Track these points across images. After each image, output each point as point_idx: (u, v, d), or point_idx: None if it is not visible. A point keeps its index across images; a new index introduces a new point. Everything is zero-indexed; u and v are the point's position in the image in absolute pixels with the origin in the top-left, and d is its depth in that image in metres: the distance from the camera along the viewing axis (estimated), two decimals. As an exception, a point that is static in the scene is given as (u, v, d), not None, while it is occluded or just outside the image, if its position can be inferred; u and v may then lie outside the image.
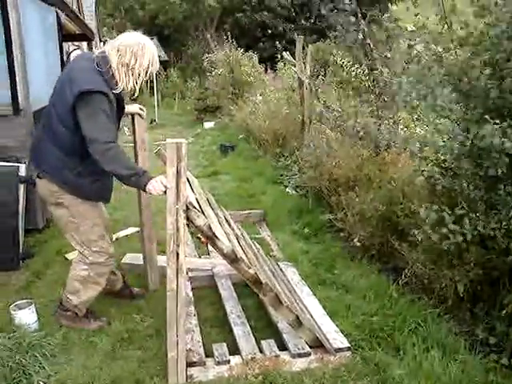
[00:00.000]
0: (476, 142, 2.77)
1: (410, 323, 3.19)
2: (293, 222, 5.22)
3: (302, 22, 20.48)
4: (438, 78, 3.27)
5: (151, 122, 13.37)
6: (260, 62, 13.62)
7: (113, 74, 2.80)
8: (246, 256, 2.95)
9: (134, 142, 3.48)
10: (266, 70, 13.70)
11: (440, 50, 3.23)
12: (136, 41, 2.82)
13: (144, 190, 2.66)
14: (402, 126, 5.36)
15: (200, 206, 2.90)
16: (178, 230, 2.49)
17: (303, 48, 6.86)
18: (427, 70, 3.41)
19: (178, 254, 2.53)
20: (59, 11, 6.00)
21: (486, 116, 2.70)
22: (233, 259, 2.70)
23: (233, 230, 3.38)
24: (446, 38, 3.18)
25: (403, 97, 3.20)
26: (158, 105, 14.59)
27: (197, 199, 3.01)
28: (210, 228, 2.60)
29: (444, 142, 3.40)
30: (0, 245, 4.14)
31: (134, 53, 2.79)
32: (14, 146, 4.55)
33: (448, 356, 2.88)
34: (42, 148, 2.98)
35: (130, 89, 2.88)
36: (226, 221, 3.49)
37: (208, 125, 11.75)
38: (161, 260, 3.78)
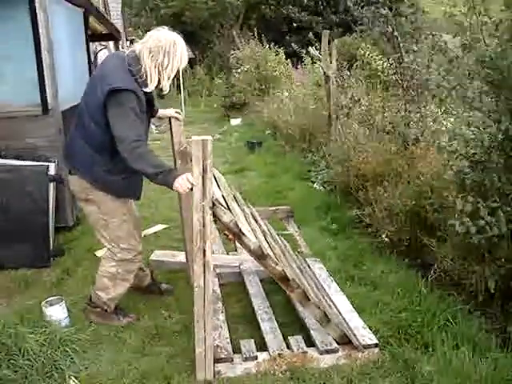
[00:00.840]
0: (507, 133, 2.70)
1: (439, 319, 3.14)
2: (320, 217, 5.19)
3: (330, 15, 20.30)
4: (467, 68, 3.21)
5: (178, 120, 13.45)
6: (287, 57, 13.56)
7: (145, 74, 2.81)
8: (273, 252, 2.94)
9: (172, 146, 3.45)
10: (293, 64, 13.62)
11: (468, 40, 3.15)
12: (167, 40, 2.82)
13: (171, 188, 2.66)
14: (430, 120, 5.27)
15: (226, 203, 2.91)
16: (204, 226, 2.50)
17: (329, 42, 6.81)
18: (455, 61, 3.35)
19: (204, 251, 2.54)
20: (86, 11, 6.08)
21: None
22: (259, 255, 2.70)
23: (259, 226, 3.38)
24: (474, 27, 3.11)
25: (431, 89, 3.14)
26: (184, 102, 14.68)
27: (223, 196, 3.02)
28: (237, 225, 2.61)
29: (474, 134, 3.34)
30: (31, 242, 4.23)
31: (166, 52, 2.80)
32: (43, 146, 4.64)
33: (478, 353, 2.82)
34: (73, 145, 3.04)
35: (161, 87, 2.91)
36: (253, 217, 3.50)
37: (235, 121, 11.76)
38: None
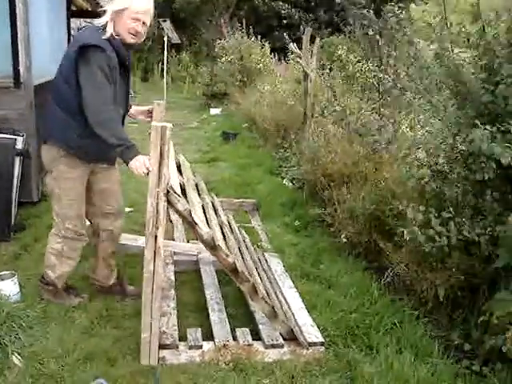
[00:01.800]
0: (465, 145, 2.76)
1: (386, 323, 3.20)
2: (285, 213, 5.22)
3: (321, 13, 20.27)
4: (436, 77, 3.26)
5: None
6: (273, 52, 13.55)
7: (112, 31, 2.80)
8: (227, 244, 2.96)
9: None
10: (279, 59, 13.61)
11: (439, 48, 3.20)
12: None
13: (127, 164, 2.65)
14: (405, 126, 5.33)
15: (184, 191, 2.91)
16: (157, 212, 2.51)
17: (313, 41, 6.82)
18: (426, 70, 3.40)
19: (156, 237, 2.54)
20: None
21: (477, 120, 2.69)
22: (211, 246, 2.72)
23: (218, 217, 3.39)
24: (444, 37, 3.16)
25: (397, 96, 3.19)
26: (167, 87, 14.57)
27: (182, 183, 3.03)
28: (190, 213, 2.61)
29: (439, 143, 3.39)
30: (-8, 216, 4.20)
31: None
32: (13, 118, 4.59)
33: (420, 358, 2.89)
34: (48, 112, 3.04)
35: (121, 34, 2.82)
36: (213, 207, 3.51)
37: (214, 111, 11.72)
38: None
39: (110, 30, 2.79)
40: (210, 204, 3.39)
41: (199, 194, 3.34)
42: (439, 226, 2.89)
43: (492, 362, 2.82)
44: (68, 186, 3.03)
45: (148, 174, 2.50)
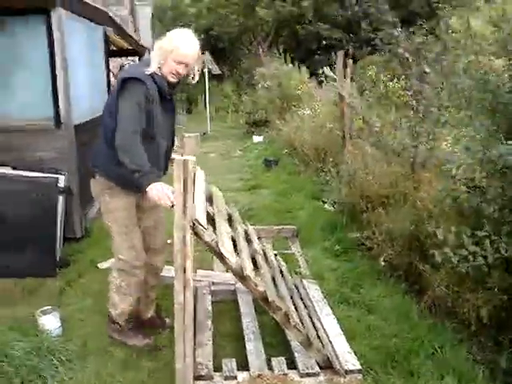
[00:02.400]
0: (496, 160, 2.67)
1: (427, 347, 3.10)
2: (326, 238, 5.17)
3: (362, 34, 20.21)
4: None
5: (204, 134, 13.62)
6: (313, 75, 13.57)
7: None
8: (259, 273, 2.96)
9: None
10: (319, 83, 13.62)
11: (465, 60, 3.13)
12: (174, 30, 2.95)
13: (144, 190, 2.71)
14: (445, 143, 5.21)
15: (214, 222, 2.95)
16: (185, 245, 2.54)
17: (355, 61, 6.82)
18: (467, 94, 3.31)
19: (185, 269, 2.57)
20: (108, 28, 6.26)
21: (501, 135, 2.61)
22: (241, 276, 2.72)
23: (252, 246, 3.39)
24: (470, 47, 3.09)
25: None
26: (211, 117, 14.87)
27: (213, 214, 3.06)
28: (217, 245, 2.63)
29: (473, 159, 3.30)
30: (39, 252, 4.36)
31: (168, 35, 2.91)
32: (54, 158, 4.79)
33: (463, 384, 2.78)
34: (96, 148, 3.15)
35: (163, 73, 2.92)
36: (247, 236, 3.51)
37: (257, 139, 11.83)
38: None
39: (154, 66, 2.89)
40: (243, 233, 3.40)
41: (231, 225, 3.35)
42: (472, 246, 2.78)
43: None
44: (116, 215, 3.09)
45: (172, 206, 2.54)
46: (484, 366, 2.97)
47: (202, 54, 12.59)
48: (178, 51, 2.86)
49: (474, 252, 2.78)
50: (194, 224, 2.54)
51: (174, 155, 2.97)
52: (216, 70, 13.86)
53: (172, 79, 2.96)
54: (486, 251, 2.78)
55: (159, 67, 2.91)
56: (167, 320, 3.51)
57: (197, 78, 3.09)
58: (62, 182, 4.67)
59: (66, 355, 3.08)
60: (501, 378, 2.88)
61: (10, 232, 4.31)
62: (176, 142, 3.31)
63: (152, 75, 2.88)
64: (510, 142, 2.52)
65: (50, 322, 3.33)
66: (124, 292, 3.23)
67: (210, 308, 3.56)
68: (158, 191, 2.66)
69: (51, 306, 3.49)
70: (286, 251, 4.82)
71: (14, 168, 4.67)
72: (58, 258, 4.49)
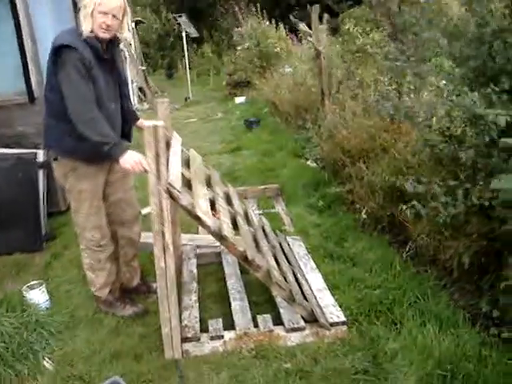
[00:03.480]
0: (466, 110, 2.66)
1: (409, 296, 3.15)
2: (309, 195, 5.18)
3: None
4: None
5: (185, 100, 13.44)
6: (294, 33, 13.33)
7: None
8: (239, 233, 2.98)
9: None
10: (299, 41, 13.40)
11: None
12: None
13: (117, 161, 2.68)
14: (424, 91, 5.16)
15: (190, 184, 2.94)
16: (161, 210, 2.54)
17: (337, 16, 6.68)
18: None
19: (163, 234, 2.58)
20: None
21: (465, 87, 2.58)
22: (219, 237, 2.73)
23: (232, 206, 3.40)
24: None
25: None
26: (192, 82, 14.63)
27: (189, 178, 3.05)
28: (193, 207, 2.63)
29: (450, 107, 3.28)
30: (23, 228, 4.35)
31: None
32: (31, 133, 4.72)
33: (445, 330, 2.82)
34: (45, 126, 3.03)
35: (94, 31, 2.77)
36: (228, 198, 3.51)
37: (239, 100, 11.69)
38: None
39: (84, 28, 2.76)
40: (222, 195, 3.40)
41: (210, 187, 3.35)
42: (443, 196, 2.79)
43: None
44: (81, 198, 3.06)
45: (146, 171, 2.53)
46: (465, 311, 3.02)
47: (180, 16, 12.25)
48: (101, 2, 2.72)
49: (445, 202, 2.78)
50: (168, 188, 2.54)
51: (145, 122, 2.90)
52: (194, 33, 13.58)
53: (103, 34, 2.80)
54: (458, 200, 2.79)
55: (90, 29, 2.77)
56: (154, 285, 3.52)
57: (125, 32, 2.94)
58: (40, 156, 4.62)
59: (56, 327, 3.12)
60: (481, 321, 2.93)
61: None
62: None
63: (85, 39, 2.75)
64: (474, 94, 2.50)
65: (38, 297, 3.34)
66: (96, 268, 3.23)
67: (195, 271, 3.60)
68: (130, 160, 2.63)
69: (38, 280, 3.50)
70: (270, 210, 4.85)
71: (-9, 146, 4.62)
72: (43, 233, 4.48)
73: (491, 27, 2.61)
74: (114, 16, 2.78)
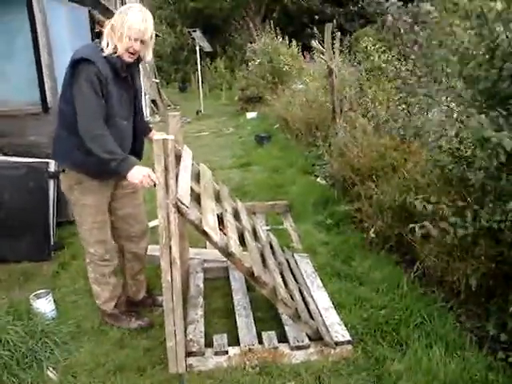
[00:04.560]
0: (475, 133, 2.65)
1: (416, 317, 3.13)
2: (318, 212, 5.18)
3: (350, 7, 20.02)
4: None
5: (197, 113, 13.56)
6: (305, 49, 13.44)
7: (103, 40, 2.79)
8: (247, 249, 2.98)
9: None
10: (311, 58, 13.50)
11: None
12: (127, 5, 2.82)
13: (125, 176, 2.68)
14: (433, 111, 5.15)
15: (200, 200, 2.96)
16: (169, 223, 2.55)
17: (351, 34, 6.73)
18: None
19: (170, 247, 2.59)
20: (93, 10, 6.19)
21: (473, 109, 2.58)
22: (226, 253, 2.74)
23: (240, 222, 3.41)
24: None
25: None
26: (204, 95, 14.76)
27: (198, 192, 3.06)
28: (201, 223, 2.64)
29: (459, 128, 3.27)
30: (32, 237, 4.38)
31: (119, 12, 2.77)
32: (43, 143, 4.75)
33: (451, 352, 2.81)
34: (55, 137, 3.03)
35: (118, 52, 2.77)
36: (236, 213, 3.52)
37: (250, 115, 11.78)
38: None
39: (108, 48, 2.76)
40: (231, 210, 3.41)
41: (219, 202, 3.36)
42: (452, 217, 2.78)
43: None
44: (85, 212, 3.05)
45: (155, 185, 2.55)
46: (472, 334, 3.01)
47: (194, 31, 12.44)
48: (132, 28, 2.72)
49: (454, 223, 2.77)
50: (176, 203, 2.55)
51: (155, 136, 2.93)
52: (208, 48, 13.72)
53: (129, 59, 2.82)
54: (467, 222, 2.77)
55: (114, 48, 2.77)
56: (160, 298, 3.52)
57: (149, 57, 2.93)
58: (52, 166, 4.66)
59: (61, 337, 3.12)
60: (488, 344, 2.91)
61: (4, 218, 4.33)
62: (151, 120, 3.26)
63: (106, 56, 2.75)
64: (481, 117, 2.50)
65: (44, 306, 3.35)
66: (101, 282, 3.24)
67: (201, 285, 3.59)
68: (138, 174, 2.63)
69: (45, 289, 3.52)
70: (278, 226, 4.85)
71: (5, 154, 4.67)
72: (52, 242, 4.51)
73: (501, 51, 2.62)
74: (142, 42, 2.80)
